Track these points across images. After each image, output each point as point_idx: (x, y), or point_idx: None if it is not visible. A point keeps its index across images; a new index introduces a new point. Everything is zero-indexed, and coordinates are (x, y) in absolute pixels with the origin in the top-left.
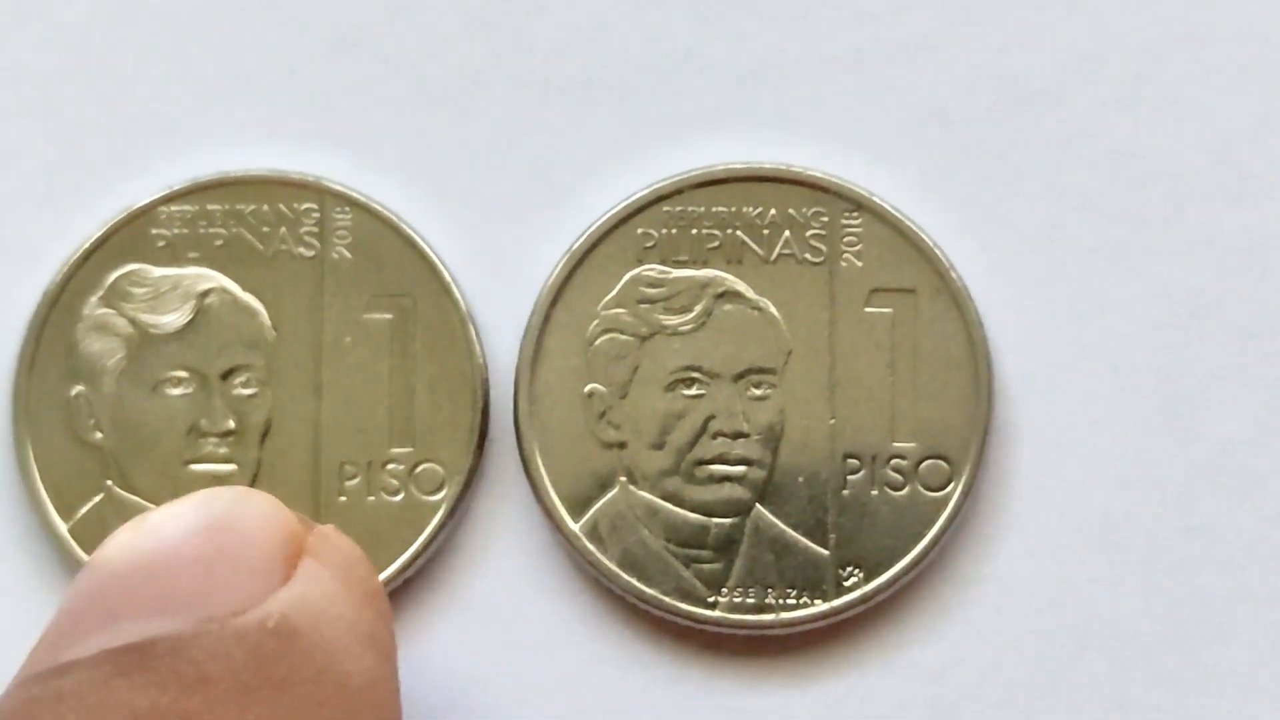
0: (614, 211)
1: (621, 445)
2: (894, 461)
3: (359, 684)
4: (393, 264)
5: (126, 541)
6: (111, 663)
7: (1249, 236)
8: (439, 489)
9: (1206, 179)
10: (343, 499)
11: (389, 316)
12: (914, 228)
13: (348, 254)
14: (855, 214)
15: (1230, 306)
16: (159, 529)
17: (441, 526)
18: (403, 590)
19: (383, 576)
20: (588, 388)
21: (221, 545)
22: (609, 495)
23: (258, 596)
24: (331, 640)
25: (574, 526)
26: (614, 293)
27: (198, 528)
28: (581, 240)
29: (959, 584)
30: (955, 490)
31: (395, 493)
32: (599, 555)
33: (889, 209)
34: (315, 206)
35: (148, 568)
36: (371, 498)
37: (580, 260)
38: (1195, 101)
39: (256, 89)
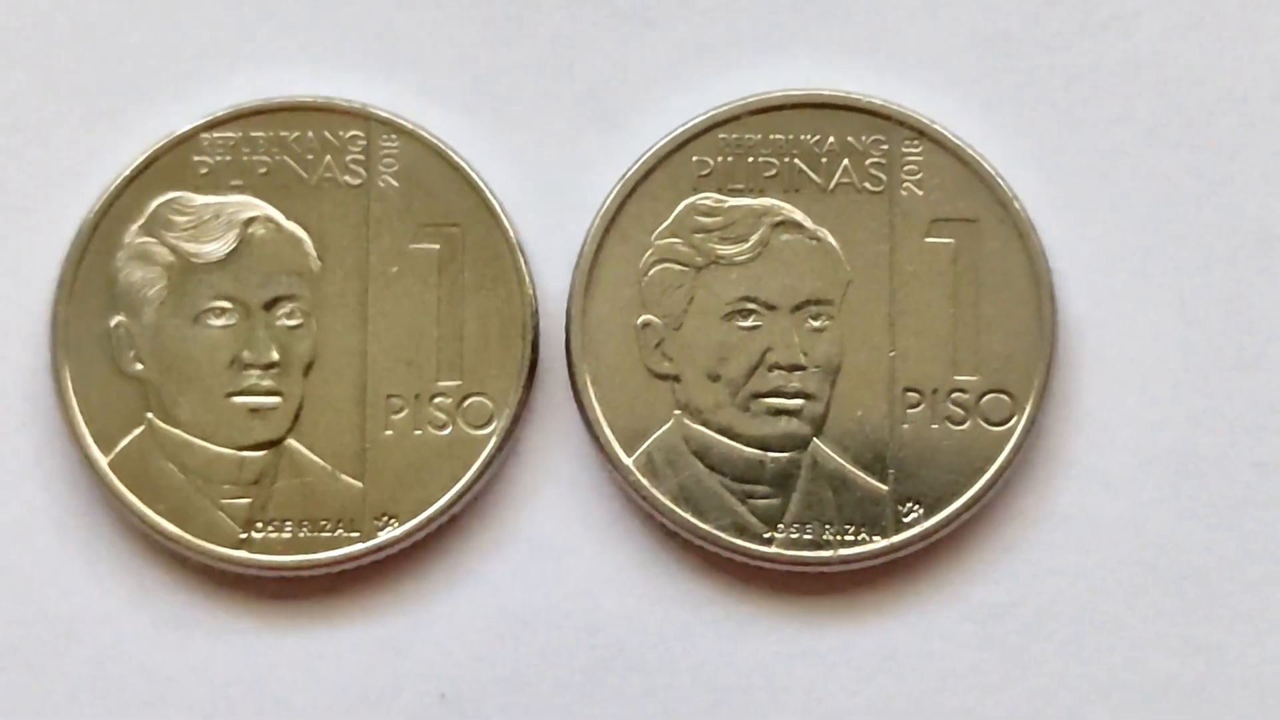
0: (669, 139)
1: (676, 378)
2: (955, 395)
3: None
4: (441, 193)
5: None
6: None
7: None
8: (488, 423)
9: (1274, 106)
10: (389, 432)
11: (436, 246)
12: (976, 156)
13: (394, 182)
14: (916, 142)
15: None
16: None
17: (490, 461)
18: (453, 525)
19: (430, 511)
20: (641, 319)
21: None
22: (663, 429)
23: None
24: None
25: (627, 461)
26: (669, 222)
27: None
28: (635, 168)
29: (1021, 520)
30: (1018, 425)
31: (443, 426)
32: (653, 490)
33: (950, 137)
34: (361, 134)
35: None
36: (418, 431)
37: (634, 188)
38: (1262, 27)
39: (303, 13)
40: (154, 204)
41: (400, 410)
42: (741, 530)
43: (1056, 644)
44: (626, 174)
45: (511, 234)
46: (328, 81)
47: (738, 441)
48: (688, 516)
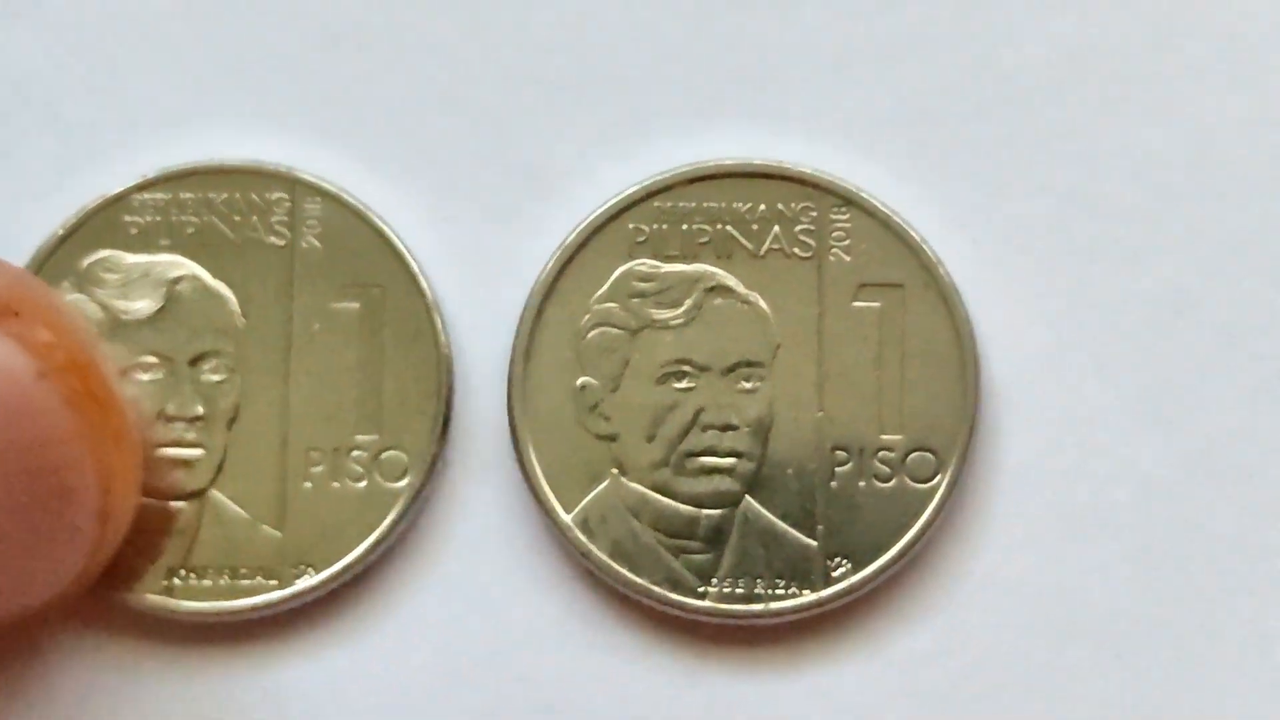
0: (606, 207)
1: (613, 438)
2: (881, 454)
3: None
4: (363, 253)
5: None
6: None
7: (1235, 234)
8: (402, 476)
9: (1194, 176)
10: (308, 485)
11: (357, 305)
12: (902, 223)
13: (317, 243)
14: (844, 209)
15: (1216, 303)
16: None
17: (404, 513)
18: (380, 577)
19: (345, 561)
20: (579, 381)
21: None
22: (600, 487)
23: None
24: None
25: (566, 518)
26: (605, 287)
27: None
28: (574, 236)
29: (946, 576)
30: (942, 482)
31: (359, 479)
32: (590, 546)
33: (877, 204)
34: (286, 196)
35: None
36: (336, 484)
37: (572, 256)
38: (1184, 99)
39: (238, 78)
40: (86, 262)
41: (319, 463)
42: (676, 585)
43: (979, 696)
44: (565, 241)
45: (429, 294)
46: (264, 146)
47: (672, 499)
48: (624, 571)
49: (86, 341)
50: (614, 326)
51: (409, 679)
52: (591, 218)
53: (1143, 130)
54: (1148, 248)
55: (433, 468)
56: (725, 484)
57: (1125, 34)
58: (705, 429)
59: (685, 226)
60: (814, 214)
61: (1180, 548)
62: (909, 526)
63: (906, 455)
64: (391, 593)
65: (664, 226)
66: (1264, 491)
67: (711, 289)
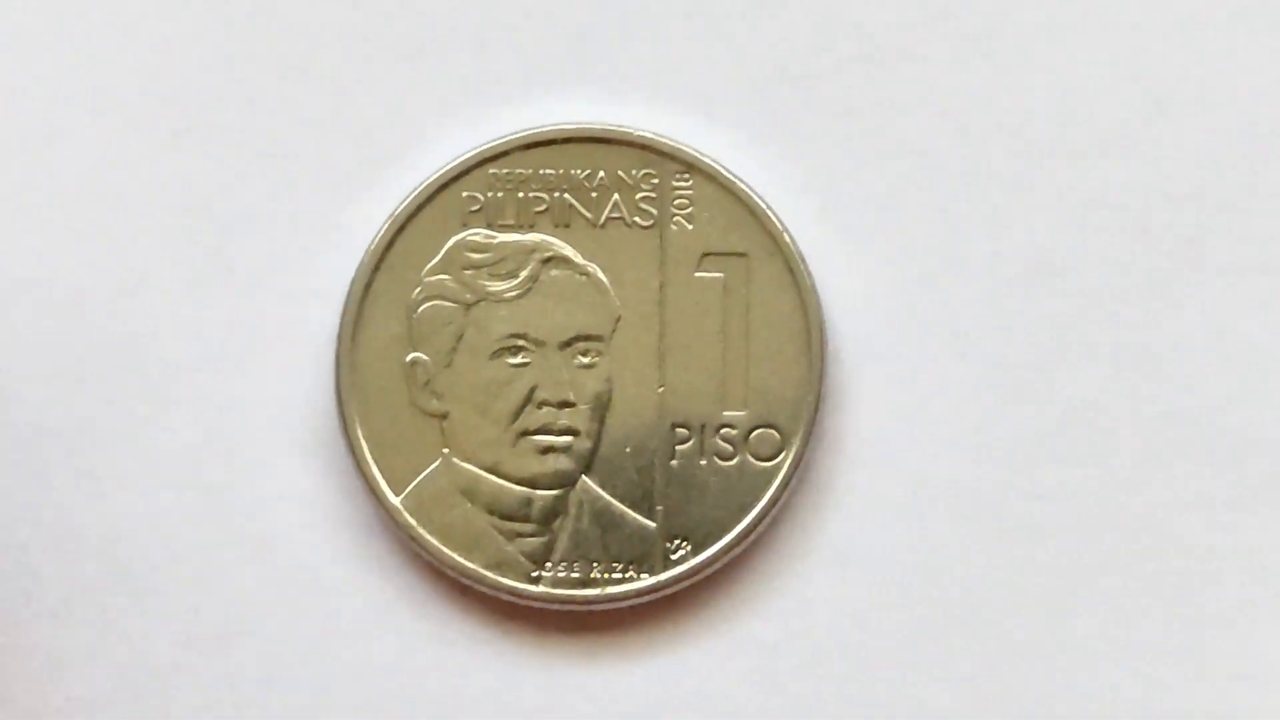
0: (438, 174)
1: (444, 416)
2: (723, 431)
3: None
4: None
5: None
6: None
7: (1091, 196)
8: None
9: (1048, 139)
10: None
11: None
12: (746, 189)
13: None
14: (686, 176)
15: (1073, 268)
16: None
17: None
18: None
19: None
20: (410, 356)
21: None
22: (431, 467)
23: None
24: None
25: (395, 500)
26: (438, 258)
27: None
28: (404, 204)
29: (790, 556)
30: (786, 460)
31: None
32: (420, 530)
33: (721, 170)
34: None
35: None
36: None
37: (403, 225)
38: (1038, 59)
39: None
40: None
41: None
42: (509, 569)
43: (827, 679)
44: (395, 210)
45: None
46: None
47: (505, 479)
48: (455, 556)
49: None
50: (446, 299)
51: (240, 676)
52: (423, 185)
53: (994, 92)
54: (1003, 214)
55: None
56: (561, 463)
57: None
58: (541, 406)
59: (521, 194)
60: (655, 181)
61: (1034, 521)
62: (751, 506)
63: (749, 432)
64: (238, 578)
65: (499, 194)
66: (1120, 463)
67: (548, 259)
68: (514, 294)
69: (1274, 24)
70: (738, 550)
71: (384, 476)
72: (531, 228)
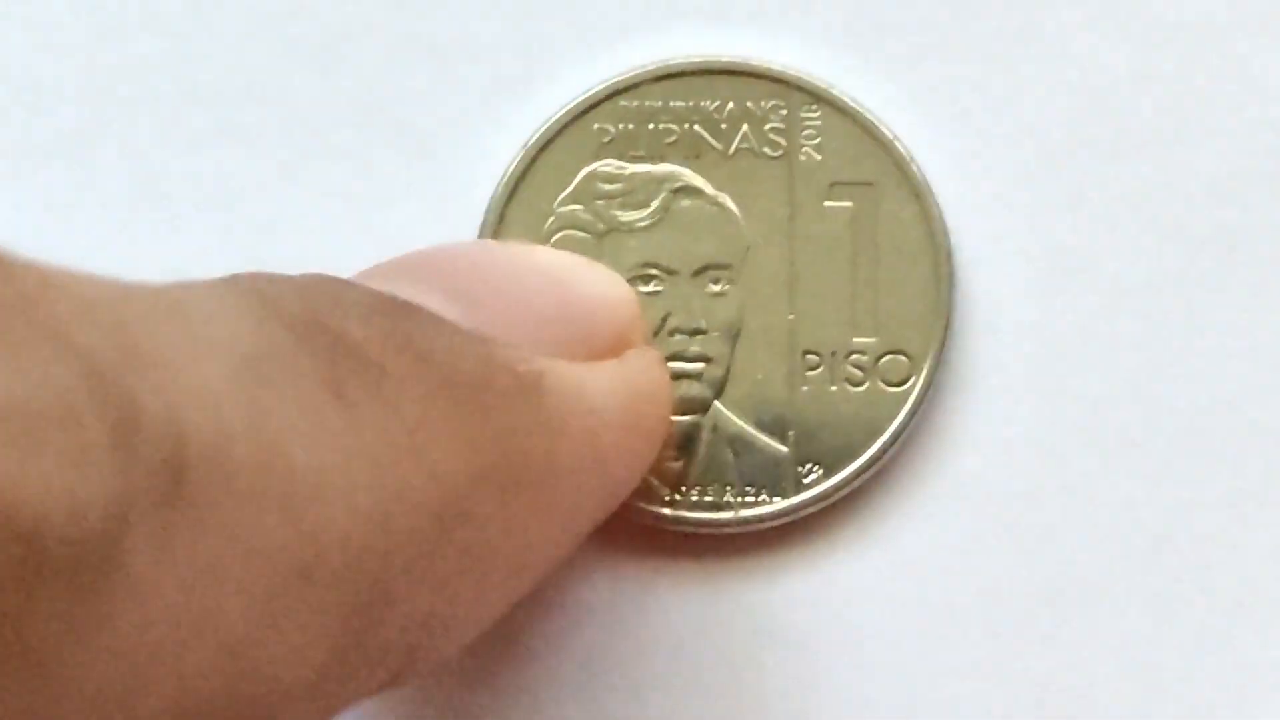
0: (569, 107)
1: None
2: (854, 357)
3: (548, 488)
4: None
5: (489, 244)
6: (379, 300)
7: (1230, 145)
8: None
9: (1187, 83)
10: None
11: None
12: (873, 120)
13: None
14: (814, 107)
15: (1216, 204)
16: (528, 251)
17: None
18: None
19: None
20: None
21: (557, 295)
22: None
23: (542, 350)
24: (562, 436)
25: None
26: (570, 189)
27: (557, 273)
28: (536, 136)
29: (920, 481)
30: (915, 385)
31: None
32: None
33: (848, 101)
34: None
35: (484, 265)
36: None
37: (535, 156)
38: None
39: None
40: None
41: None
42: (644, 493)
43: (956, 603)
44: (528, 142)
45: None
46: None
47: None
48: None
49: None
50: (579, 229)
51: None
52: (555, 118)
53: (1130, 27)
54: (1133, 148)
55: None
56: (694, 389)
57: None
58: (673, 333)
59: (652, 126)
60: (784, 112)
61: (1160, 453)
62: (882, 431)
63: (879, 358)
64: None
65: (630, 126)
66: (1269, 414)
67: (679, 189)
68: (645, 224)
69: None
70: (869, 474)
71: None
72: (662, 159)
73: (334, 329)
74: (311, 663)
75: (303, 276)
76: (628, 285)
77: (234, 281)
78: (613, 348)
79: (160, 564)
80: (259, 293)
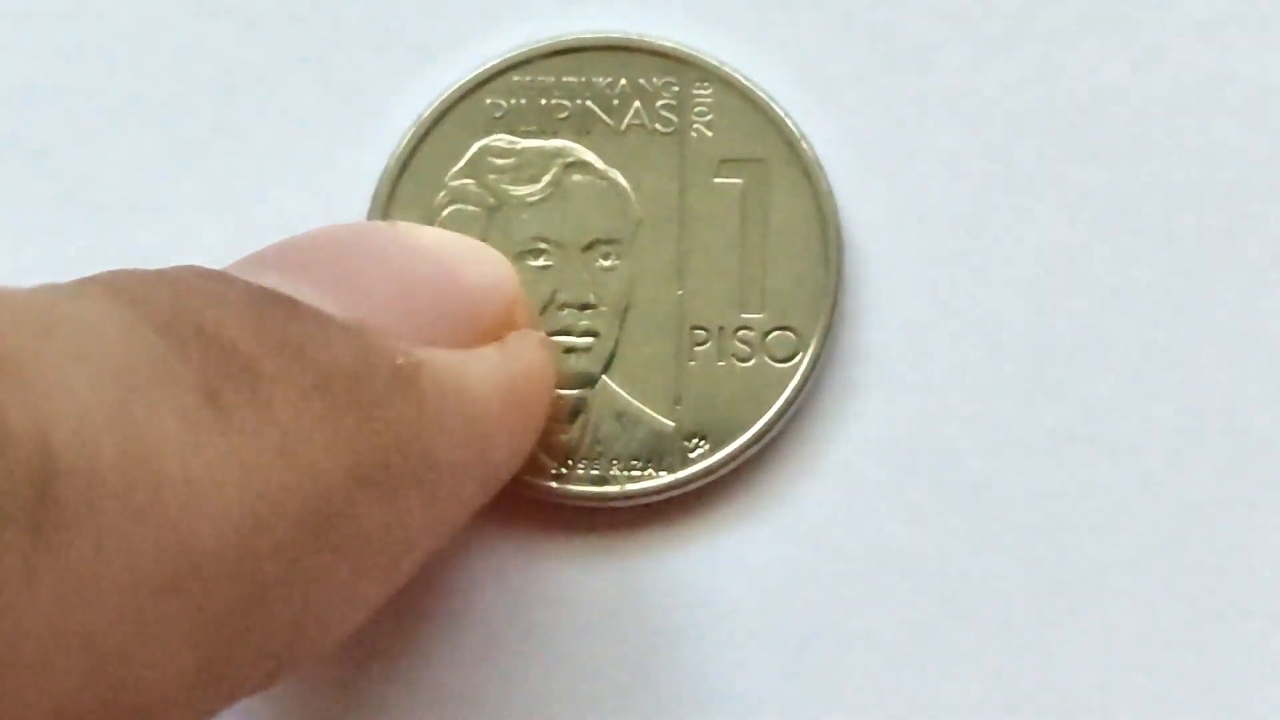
0: (462, 82)
1: None
2: (741, 333)
3: (428, 481)
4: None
5: (372, 226)
6: (255, 295)
7: (1123, 124)
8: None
9: (1082, 50)
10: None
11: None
12: (765, 97)
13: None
14: (706, 84)
15: (1105, 180)
16: (411, 233)
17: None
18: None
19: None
20: None
21: (439, 281)
22: None
23: (417, 339)
24: (441, 429)
25: None
26: (462, 163)
27: (437, 257)
28: (429, 111)
29: (805, 457)
30: (802, 361)
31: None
32: None
33: (740, 79)
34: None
35: (365, 250)
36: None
37: (427, 131)
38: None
39: None
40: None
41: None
42: (531, 467)
43: (841, 578)
44: (420, 116)
45: None
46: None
47: None
48: None
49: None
50: (470, 203)
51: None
52: (448, 93)
53: (1028, 9)
54: (1020, 123)
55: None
56: (582, 363)
57: None
58: (563, 308)
59: (544, 101)
60: (676, 89)
61: (1043, 430)
62: (768, 406)
63: (767, 334)
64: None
65: (522, 101)
66: (1132, 380)
67: (570, 165)
68: (536, 198)
69: None
70: (754, 449)
71: None
72: (554, 134)
73: (207, 330)
74: (185, 670)
75: (175, 270)
76: (510, 266)
77: (103, 282)
78: (494, 331)
79: (29, 577)
80: (129, 294)
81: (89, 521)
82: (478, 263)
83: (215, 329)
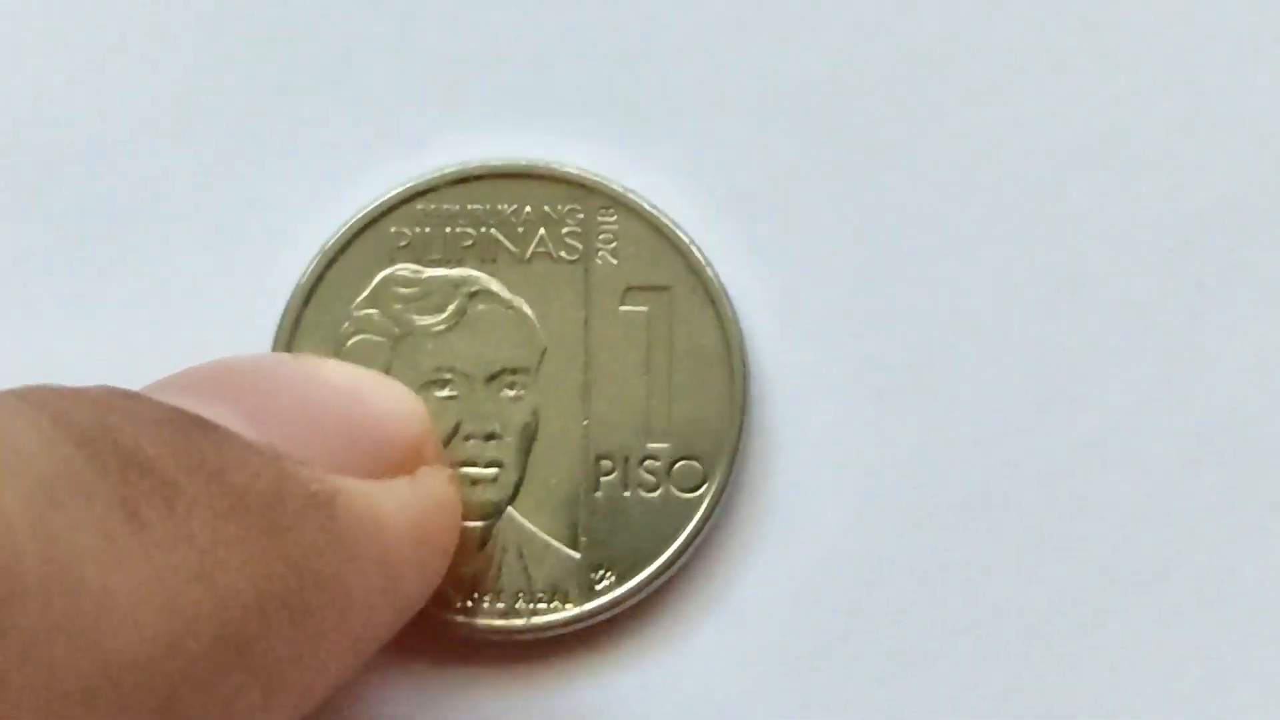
0: (366, 210)
1: None
2: (647, 462)
3: (341, 608)
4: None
5: (281, 357)
6: (172, 416)
7: (994, 223)
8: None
9: (971, 169)
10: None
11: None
12: (670, 224)
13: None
14: (610, 210)
15: (999, 304)
16: (317, 365)
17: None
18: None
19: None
20: None
21: (348, 411)
22: None
23: (329, 468)
24: (353, 557)
25: None
26: (366, 293)
27: (349, 388)
28: (333, 240)
29: (711, 588)
30: (709, 491)
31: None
32: None
33: (644, 205)
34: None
35: (275, 379)
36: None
37: (331, 261)
38: (944, 84)
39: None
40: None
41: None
42: (436, 599)
43: (751, 708)
44: (325, 245)
45: None
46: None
47: None
48: None
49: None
50: (375, 333)
51: None
52: (351, 222)
53: (926, 128)
54: (925, 248)
55: None
56: (488, 494)
57: (893, 31)
58: (467, 439)
59: (449, 229)
60: (580, 216)
61: (963, 542)
62: (674, 537)
63: (673, 464)
64: None
65: (427, 230)
66: (1052, 477)
67: (474, 294)
68: (441, 328)
69: None
70: (661, 580)
71: None
72: (459, 263)
73: (126, 446)
74: None
75: (94, 389)
76: (418, 400)
77: (23, 395)
78: (404, 464)
79: None
80: (49, 408)
81: (13, 629)
82: (388, 396)
83: (134, 446)
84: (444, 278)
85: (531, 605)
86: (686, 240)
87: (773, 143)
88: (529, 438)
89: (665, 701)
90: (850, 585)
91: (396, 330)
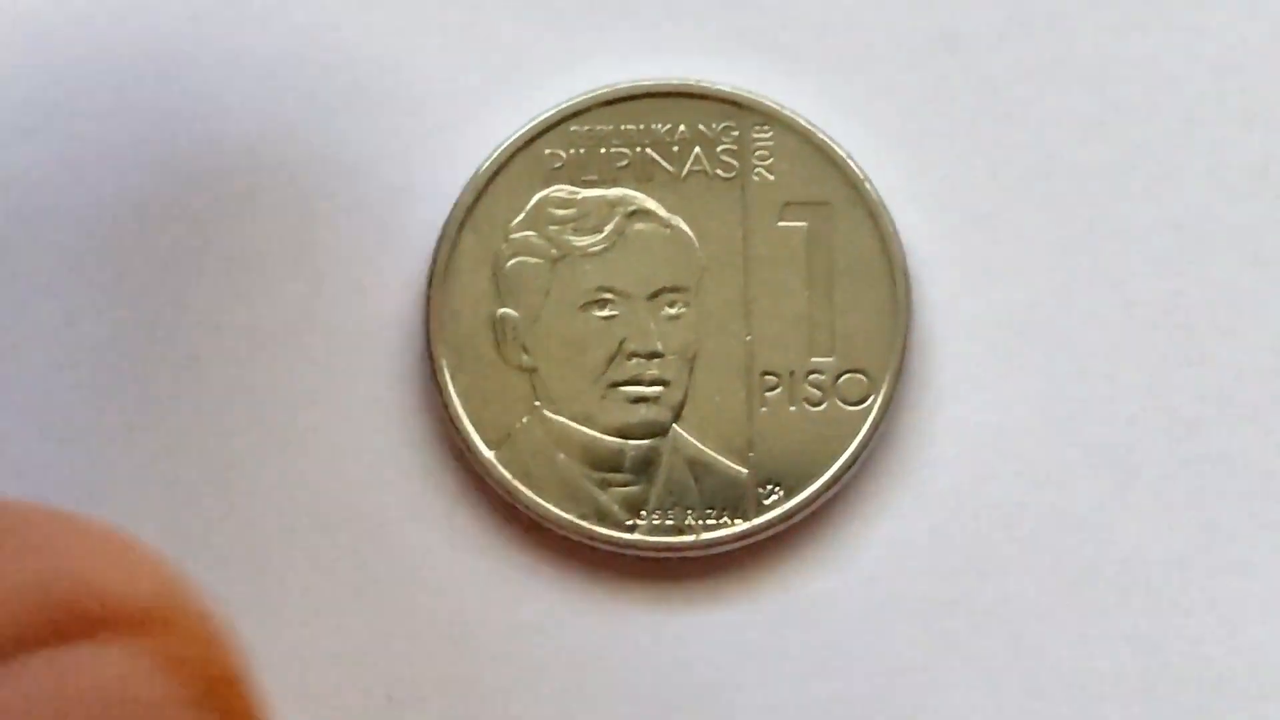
0: (520, 133)
1: (534, 370)
2: (812, 377)
3: None
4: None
5: None
6: None
7: (1166, 149)
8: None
9: (1138, 84)
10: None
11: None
12: (826, 139)
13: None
14: (766, 127)
15: (1166, 210)
16: (20, 508)
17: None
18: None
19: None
20: (499, 312)
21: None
22: (523, 420)
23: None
24: None
25: (489, 454)
26: (522, 215)
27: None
28: (487, 163)
29: (881, 500)
30: (875, 403)
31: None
32: (516, 483)
33: (801, 121)
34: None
35: None
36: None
37: (487, 183)
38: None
39: None
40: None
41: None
42: (604, 518)
43: (921, 623)
44: (479, 169)
45: None
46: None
47: (598, 431)
48: (550, 507)
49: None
50: (533, 255)
51: (339, 637)
52: (506, 143)
53: (1081, 45)
54: (1082, 161)
55: None
56: (652, 413)
57: None
58: (630, 357)
59: (603, 150)
60: (735, 133)
61: (1127, 465)
62: (842, 450)
63: (838, 377)
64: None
65: (581, 151)
66: (1206, 410)
67: (632, 213)
68: (599, 248)
69: None
70: (829, 494)
71: (477, 432)
72: (614, 183)
73: None
74: None
75: None
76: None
77: None
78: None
79: None
80: None
81: None
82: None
83: None
84: (600, 198)
85: (701, 522)
86: (844, 154)
87: (926, 59)
88: (692, 356)
89: (836, 615)
90: (1015, 493)
91: (554, 251)
